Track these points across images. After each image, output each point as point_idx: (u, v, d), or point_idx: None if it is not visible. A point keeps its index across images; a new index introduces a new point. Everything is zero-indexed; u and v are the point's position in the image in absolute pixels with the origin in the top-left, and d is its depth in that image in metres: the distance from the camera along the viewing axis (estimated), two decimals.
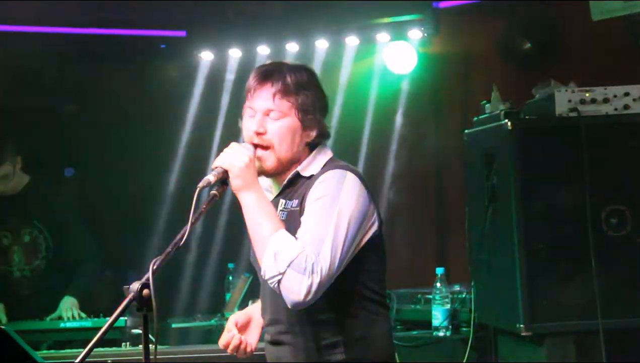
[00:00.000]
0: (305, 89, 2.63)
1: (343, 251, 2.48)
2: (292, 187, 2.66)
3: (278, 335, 2.67)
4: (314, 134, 2.65)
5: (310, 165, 2.65)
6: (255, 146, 2.61)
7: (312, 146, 2.69)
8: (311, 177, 2.62)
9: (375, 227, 2.61)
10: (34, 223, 4.90)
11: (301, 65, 2.72)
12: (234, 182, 2.52)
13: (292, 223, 2.55)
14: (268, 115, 2.62)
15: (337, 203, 2.51)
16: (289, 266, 2.41)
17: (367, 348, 2.62)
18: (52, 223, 4.91)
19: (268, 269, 2.45)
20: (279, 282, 2.43)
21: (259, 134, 2.61)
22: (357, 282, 2.60)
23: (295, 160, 2.65)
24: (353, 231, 2.52)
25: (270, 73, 2.64)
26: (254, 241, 2.52)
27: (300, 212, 2.56)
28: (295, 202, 2.61)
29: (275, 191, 2.71)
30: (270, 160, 2.61)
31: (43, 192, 4.96)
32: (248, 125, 2.65)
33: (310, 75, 2.69)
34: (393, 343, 2.78)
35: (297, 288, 2.41)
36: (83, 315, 4.69)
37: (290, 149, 2.62)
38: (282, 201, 2.65)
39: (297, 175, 2.65)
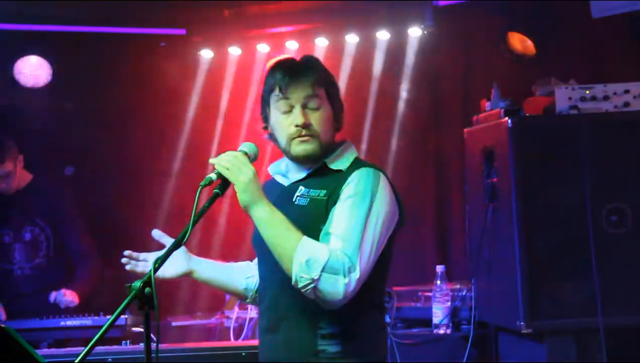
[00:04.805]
0: (332, 80, 2.74)
1: (376, 249, 2.53)
2: (316, 176, 2.68)
3: (275, 321, 2.65)
4: (338, 124, 2.73)
5: (338, 159, 2.70)
6: (300, 136, 2.63)
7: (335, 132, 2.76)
8: (339, 172, 2.66)
9: (395, 228, 2.67)
10: (36, 221, 4.91)
11: (316, 57, 2.80)
12: (242, 197, 2.51)
13: (314, 210, 2.59)
14: (306, 106, 2.64)
15: (371, 203, 2.56)
16: (323, 270, 2.43)
17: (363, 342, 2.63)
18: (54, 222, 4.92)
19: (300, 278, 2.46)
20: (314, 287, 2.45)
21: (306, 125, 2.63)
22: None
23: (330, 149, 2.70)
24: (385, 231, 2.58)
25: (303, 64, 2.70)
26: (277, 253, 2.51)
27: (329, 202, 2.58)
28: (322, 192, 2.62)
29: (292, 177, 2.74)
30: (315, 146, 2.65)
31: (45, 190, 4.96)
32: (288, 120, 2.65)
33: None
34: (387, 340, 2.79)
35: (334, 289, 2.44)
36: (76, 300, 4.68)
37: (329, 136, 2.69)
38: (301, 188, 2.68)
39: (324, 166, 2.68)
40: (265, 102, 2.72)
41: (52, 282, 4.84)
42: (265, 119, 2.74)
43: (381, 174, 2.63)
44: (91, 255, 4.98)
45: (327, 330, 2.58)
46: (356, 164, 2.67)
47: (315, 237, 2.54)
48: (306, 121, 2.63)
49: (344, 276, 2.44)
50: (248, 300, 2.98)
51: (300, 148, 2.65)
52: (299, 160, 2.69)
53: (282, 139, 2.67)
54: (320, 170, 2.68)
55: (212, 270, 2.93)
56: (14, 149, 4.86)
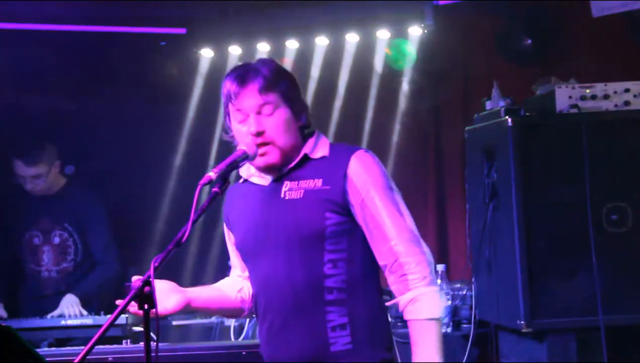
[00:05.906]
0: (284, 77, 2.69)
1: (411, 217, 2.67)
2: (299, 168, 2.67)
3: (282, 321, 2.64)
4: (303, 118, 2.71)
5: (317, 148, 2.70)
6: (258, 146, 2.62)
7: (302, 130, 2.73)
8: (323, 158, 2.66)
9: None
10: (65, 225, 4.99)
11: (269, 58, 2.78)
12: None
13: (314, 200, 2.59)
14: (260, 113, 2.63)
15: (388, 186, 2.63)
16: (427, 297, 2.60)
17: (373, 331, 2.64)
18: (82, 228, 5.00)
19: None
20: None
21: (259, 133, 2.62)
22: (367, 260, 2.63)
23: (296, 148, 2.68)
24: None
25: (247, 72, 2.66)
26: None
27: (334, 191, 2.59)
28: (318, 181, 2.62)
29: (269, 176, 2.71)
30: (274, 154, 2.64)
31: (76, 196, 5.05)
32: (243, 129, 2.65)
33: (280, 64, 2.75)
34: (390, 324, 2.80)
35: (436, 282, 2.65)
36: (84, 312, 4.71)
37: (290, 138, 2.66)
38: (287, 182, 2.66)
39: (306, 158, 2.68)
40: (225, 112, 2.72)
41: (75, 286, 4.91)
42: (229, 128, 2.73)
43: (368, 151, 2.68)
44: (108, 265, 5.02)
45: (337, 322, 2.59)
46: (337, 148, 2.69)
47: (318, 223, 2.56)
48: (259, 128, 2.61)
49: (431, 273, 2.60)
50: (246, 315, 2.95)
51: (260, 160, 2.64)
52: (260, 170, 2.69)
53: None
54: (302, 162, 2.68)
55: (206, 296, 2.91)
56: (52, 153, 4.97)
